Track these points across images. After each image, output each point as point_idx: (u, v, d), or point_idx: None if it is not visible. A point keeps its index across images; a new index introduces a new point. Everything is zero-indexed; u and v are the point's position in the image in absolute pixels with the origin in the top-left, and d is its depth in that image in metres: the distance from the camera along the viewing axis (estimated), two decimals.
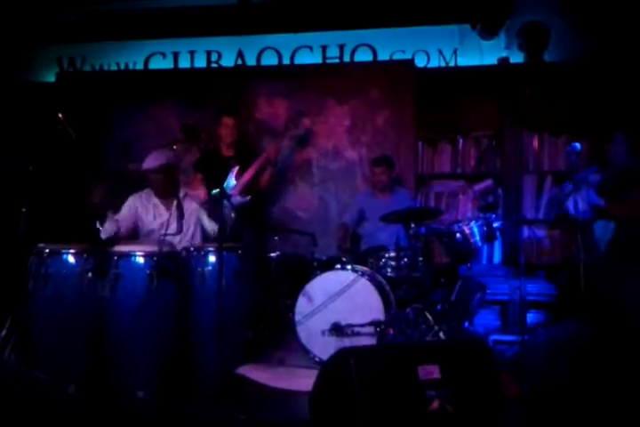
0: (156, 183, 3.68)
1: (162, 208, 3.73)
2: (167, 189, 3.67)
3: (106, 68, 5.47)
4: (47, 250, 3.20)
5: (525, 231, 4.76)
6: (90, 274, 3.18)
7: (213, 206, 3.74)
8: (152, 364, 3.11)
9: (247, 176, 4.31)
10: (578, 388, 2.84)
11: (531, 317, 4.46)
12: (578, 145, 3.68)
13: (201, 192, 3.97)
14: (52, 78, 5.35)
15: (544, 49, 4.76)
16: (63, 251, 3.20)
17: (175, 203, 3.39)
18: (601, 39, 4.68)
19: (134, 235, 3.77)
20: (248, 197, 4.27)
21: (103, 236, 3.66)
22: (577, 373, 2.93)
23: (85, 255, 3.21)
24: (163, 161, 3.62)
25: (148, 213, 3.74)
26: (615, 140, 3.85)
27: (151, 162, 3.62)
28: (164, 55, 5.40)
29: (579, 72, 4.68)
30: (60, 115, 3.95)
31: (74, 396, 3.05)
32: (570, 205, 3.66)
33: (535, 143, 4.88)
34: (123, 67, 5.45)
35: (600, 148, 4.03)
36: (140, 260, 3.17)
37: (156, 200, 3.74)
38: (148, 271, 3.12)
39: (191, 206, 3.63)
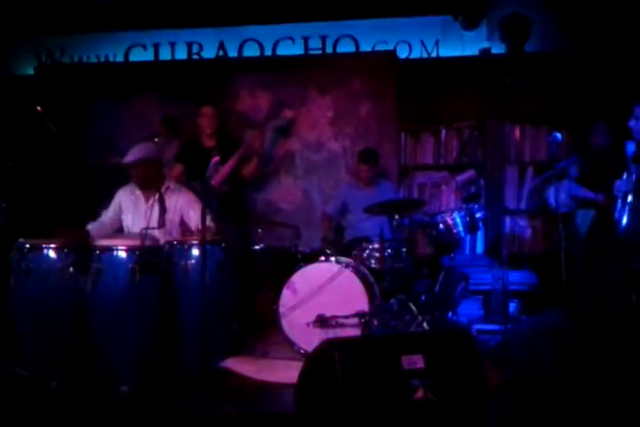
0: (136, 177, 3.65)
1: (142, 202, 3.69)
2: (148, 182, 3.63)
3: (85, 60, 5.37)
4: (27, 245, 3.16)
5: (508, 221, 4.81)
6: (71, 269, 3.15)
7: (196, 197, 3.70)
8: (135, 358, 3.09)
9: (228, 166, 4.26)
10: (560, 377, 2.86)
11: (513, 306, 4.51)
12: (559, 135, 3.70)
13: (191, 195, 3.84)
14: (30, 71, 5.25)
15: (525, 40, 4.76)
16: (44, 246, 3.17)
17: (156, 196, 3.35)
18: (582, 30, 4.71)
19: (121, 229, 3.75)
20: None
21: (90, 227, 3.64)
22: (559, 361, 2.95)
23: (66, 250, 3.18)
24: (141, 155, 3.57)
25: (129, 206, 3.71)
26: (596, 131, 3.88)
27: (130, 156, 3.58)
28: (144, 47, 5.33)
29: (560, 63, 4.71)
30: (38, 108, 3.90)
31: (56, 392, 3.03)
32: (550, 194, 3.68)
33: (517, 134, 4.90)
34: (103, 59, 5.36)
35: (581, 138, 4.06)
36: (122, 254, 3.14)
37: (138, 192, 3.71)
38: (130, 265, 3.09)
39: (172, 200, 3.60)
